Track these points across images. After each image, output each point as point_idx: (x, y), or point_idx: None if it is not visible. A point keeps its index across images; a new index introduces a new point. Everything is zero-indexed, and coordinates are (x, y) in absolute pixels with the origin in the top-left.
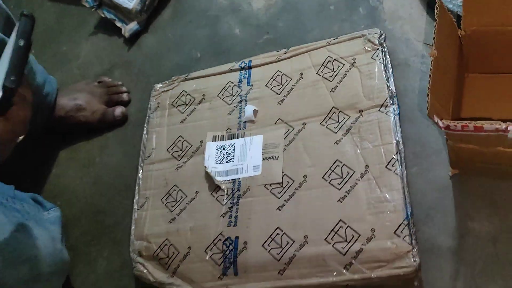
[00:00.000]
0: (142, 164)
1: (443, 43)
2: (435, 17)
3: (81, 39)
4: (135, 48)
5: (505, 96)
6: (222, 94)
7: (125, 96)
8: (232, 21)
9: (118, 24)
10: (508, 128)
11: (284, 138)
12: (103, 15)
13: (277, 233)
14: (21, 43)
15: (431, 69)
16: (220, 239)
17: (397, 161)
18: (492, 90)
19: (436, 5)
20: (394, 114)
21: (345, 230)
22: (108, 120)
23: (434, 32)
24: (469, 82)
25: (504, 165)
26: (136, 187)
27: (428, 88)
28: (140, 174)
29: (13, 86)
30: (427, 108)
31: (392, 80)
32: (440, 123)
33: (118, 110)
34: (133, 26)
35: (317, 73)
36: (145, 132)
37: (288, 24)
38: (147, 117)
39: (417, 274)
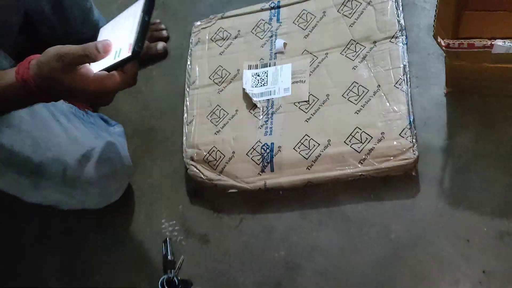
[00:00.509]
0: (188, 89)
1: None
2: None
3: None
4: None
5: (497, 28)
6: (255, 30)
7: (164, 33)
8: None
9: None
10: (493, 43)
11: (310, 65)
12: None
13: (306, 139)
14: (146, 17)
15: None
16: (258, 145)
17: (403, 81)
18: (486, 24)
19: None
20: (402, 44)
21: (361, 134)
22: (151, 53)
23: None
24: (467, 17)
25: (489, 81)
26: (184, 108)
27: (435, 16)
28: (187, 98)
29: (140, 50)
30: (433, 31)
31: (402, 16)
32: (443, 42)
33: (160, 45)
34: None
35: (337, 11)
36: (188, 63)
37: None
38: (189, 51)
39: (415, 165)
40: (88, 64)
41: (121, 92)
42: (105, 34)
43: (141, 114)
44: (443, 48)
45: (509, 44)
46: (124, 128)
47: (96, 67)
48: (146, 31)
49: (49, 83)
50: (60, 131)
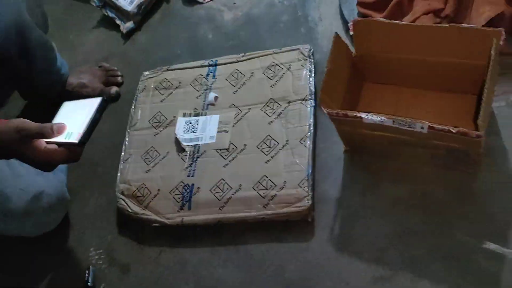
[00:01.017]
0: (129, 130)
1: (338, 60)
2: (332, 43)
3: (85, 31)
4: (129, 42)
5: (387, 100)
6: (193, 83)
7: (119, 79)
8: (207, 28)
9: (118, 22)
10: (361, 115)
11: (234, 117)
12: (106, 13)
13: (221, 182)
14: (97, 116)
15: (325, 76)
16: (181, 185)
17: (308, 138)
18: (380, 94)
19: (333, 35)
20: (310, 106)
21: (267, 182)
22: (105, 96)
23: (330, 53)
24: (365, 87)
25: (371, 144)
26: (123, 147)
27: (321, 86)
28: (126, 138)
29: (85, 141)
30: (319, 100)
31: (313, 82)
32: (324, 110)
33: (114, 89)
34: (129, 24)
35: (263, 73)
36: (133, 107)
37: (248, 34)
38: (135, 96)
39: (310, 212)
40: None
41: None
42: (64, 112)
43: (87, 149)
44: (327, 114)
45: (371, 117)
46: None
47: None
48: (94, 126)
49: (5, 149)
50: (4, 166)
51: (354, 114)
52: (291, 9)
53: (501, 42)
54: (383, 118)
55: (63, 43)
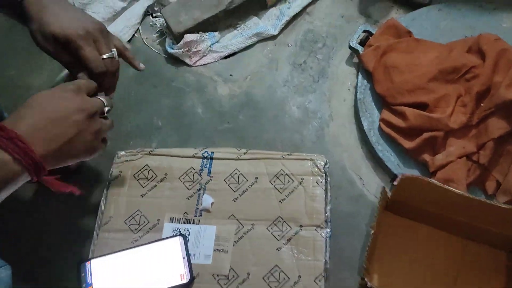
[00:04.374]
0: (98, 231)
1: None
2: (377, 205)
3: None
4: None
5: (404, 234)
6: (183, 178)
7: None
8: (196, 99)
9: None
10: None
11: (235, 234)
12: None
13: None
14: None
15: (369, 242)
16: None
17: (323, 277)
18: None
19: (381, 189)
20: (326, 236)
21: None
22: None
23: (375, 215)
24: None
25: None
26: (90, 253)
27: (366, 257)
28: (95, 240)
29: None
30: (363, 269)
31: (330, 207)
32: (368, 284)
33: None
34: None
35: (269, 181)
36: (103, 198)
37: (247, 119)
38: (107, 183)
39: None
40: None
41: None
42: None
43: (33, 245)
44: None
45: None
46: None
47: None
48: None
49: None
50: None
51: None
52: (298, 98)
53: None
54: None
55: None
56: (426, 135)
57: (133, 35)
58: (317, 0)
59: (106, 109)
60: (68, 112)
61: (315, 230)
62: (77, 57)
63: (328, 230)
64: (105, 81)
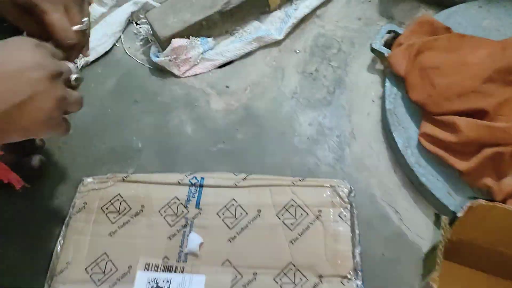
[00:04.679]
0: (49, 282)
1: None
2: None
3: None
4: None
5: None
6: (165, 211)
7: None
8: (185, 116)
9: None
10: None
11: (231, 287)
12: None
13: None
14: None
15: None
16: None
17: None
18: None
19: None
20: None
21: None
22: (25, 170)
23: (434, 262)
24: None
25: None
26: None
27: None
28: None
29: None
30: None
31: (359, 250)
32: None
33: (36, 159)
34: None
35: (276, 215)
36: (60, 238)
37: (247, 139)
38: (67, 218)
39: None
40: None
41: None
42: None
43: None
44: None
45: None
46: None
47: None
48: None
49: None
50: None
51: None
52: (310, 113)
53: None
54: None
55: None
56: (487, 151)
57: (114, 44)
58: (328, 2)
59: (74, 76)
60: (24, 66)
61: (341, 282)
62: (42, 25)
63: (359, 283)
64: (72, 55)
